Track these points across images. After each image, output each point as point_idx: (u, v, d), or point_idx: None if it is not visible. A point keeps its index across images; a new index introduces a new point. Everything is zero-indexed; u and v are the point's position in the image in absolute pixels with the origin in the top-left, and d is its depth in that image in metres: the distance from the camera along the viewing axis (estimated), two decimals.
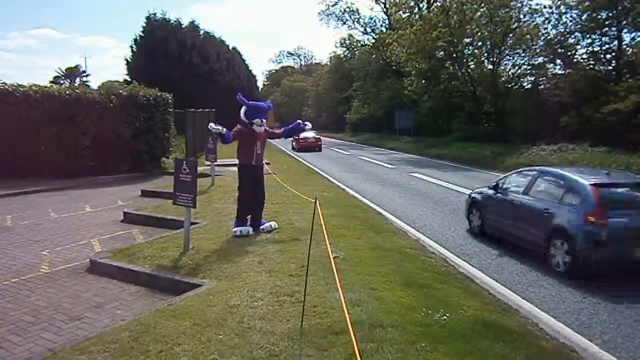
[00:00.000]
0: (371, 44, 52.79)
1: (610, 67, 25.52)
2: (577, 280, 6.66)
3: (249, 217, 8.11)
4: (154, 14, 41.07)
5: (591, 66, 26.01)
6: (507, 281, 6.71)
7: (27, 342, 4.70)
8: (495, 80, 30.88)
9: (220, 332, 4.34)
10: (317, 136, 34.50)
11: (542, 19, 28.75)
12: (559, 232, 7.11)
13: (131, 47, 40.79)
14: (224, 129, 7.76)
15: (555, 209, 7.37)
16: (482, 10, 30.04)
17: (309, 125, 8.87)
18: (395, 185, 16.12)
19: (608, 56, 25.61)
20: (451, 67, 34.74)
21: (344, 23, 55.92)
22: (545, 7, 28.69)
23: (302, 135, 34.32)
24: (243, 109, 7.90)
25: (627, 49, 25.11)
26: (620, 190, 7.58)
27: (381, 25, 52.65)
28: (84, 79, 72.62)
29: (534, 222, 7.73)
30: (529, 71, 30.54)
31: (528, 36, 28.67)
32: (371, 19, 54.66)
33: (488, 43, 30.63)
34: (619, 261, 6.60)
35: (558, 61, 28.37)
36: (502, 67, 31.90)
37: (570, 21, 26.78)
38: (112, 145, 16.03)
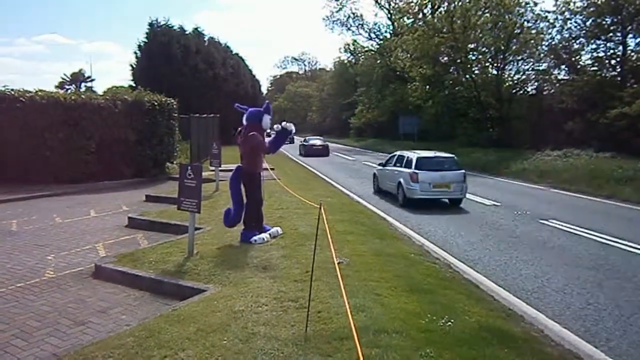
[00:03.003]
0: (375, 50, 52.94)
1: (615, 73, 25.49)
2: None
3: None
4: (157, 20, 41.29)
5: (596, 71, 25.99)
6: (511, 287, 6.69)
7: (32, 347, 4.71)
8: (500, 86, 30.88)
9: (225, 337, 4.34)
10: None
11: (547, 24, 28.81)
12: None
13: (135, 53, 41.03)
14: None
15: None
16: (486, 16, 30.07)
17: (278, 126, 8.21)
18: None
19: (613, 61, 25.59)
20: (455, 73, 34.77)
21: (348, 29, 56.26)
22: (549, 12, 28.75)
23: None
24: (265, 117, 7.84)
25: (632, 54, 25.10)
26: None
27: (385, 31, 52.95)
28: (89, 84, 73.08)
29: None
30: (533, 77, 30.54)
31: (532, 42, 28.67)
32: (375, 24, 55.04)
33: (492, 48, 30.65)
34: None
35: (563, 67, 28.36)
36: (507, 73, 31.90)
37: (575, 27, 26.85)
38: (116, 151, 16.09)
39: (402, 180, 13.54)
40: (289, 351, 4.06)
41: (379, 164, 16.58)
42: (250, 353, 4.04)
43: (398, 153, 15.36)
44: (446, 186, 13.08)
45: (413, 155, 13.96)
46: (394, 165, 14.65)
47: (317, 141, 36.52)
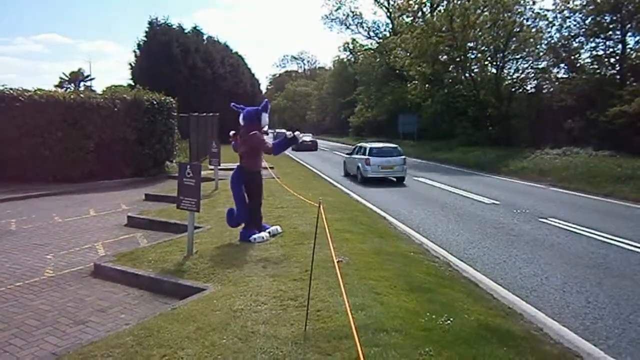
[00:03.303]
0: (374, 48, 52.92)
1: (614, 71, 25.48)
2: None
3: None
4: (156, 19, 41.25)
5: (595, 70, 25.99)
6: (510, 285, 6.69)
7: (31, 346, 4.71)
8: (499, 84, 30.88)
9: (224, 336, 4.34)
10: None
11: (546, 23, 28.80)
12: None
13: (134, 51, 40.99)
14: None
15: None
16: (485, 14, 30.06)
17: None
18: (399, 190, 16.11)
19: (612, 60, 25.59)
20: (454, 71, 34.78)
21: (348, 27, 56.40)
22: (548, 11, 28.75)
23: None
24: (264, 115, 7.91)
25: (631, 52, 25.11)
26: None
27: (384, 30, 52.94)
28: (88, 83, 73.03)
29: None
30: (532, 75, 30.54)
31: (531, 40, 28.67)
32: (374, 23, 55.09)
33: (491, 47, 30.65)
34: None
35: (562, 65, 28.37)
36: (506, 71, 31.90)
37: (574, 25, 26.85)
38: (116, 150, 16.08)
39: (359, 164, 18.40)
40: (288, 350, 4.06)
41: (347, 154, 21.33)
42: (249, 352, 4.04)
43: (359, 144, 20.26)
44: (391, 168, 17.90)
45: (368, 145, 18.89)
46: (356, 154, 19.32)
47: (307, 137, 40.38)
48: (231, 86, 43.06)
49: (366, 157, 18.03)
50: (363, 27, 55.31)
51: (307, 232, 8.02)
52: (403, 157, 18.32)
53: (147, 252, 7.27)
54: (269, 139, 8.39)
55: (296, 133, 8.07)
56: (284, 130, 59.67)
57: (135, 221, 10.05)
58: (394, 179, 18.14)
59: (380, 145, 19.35)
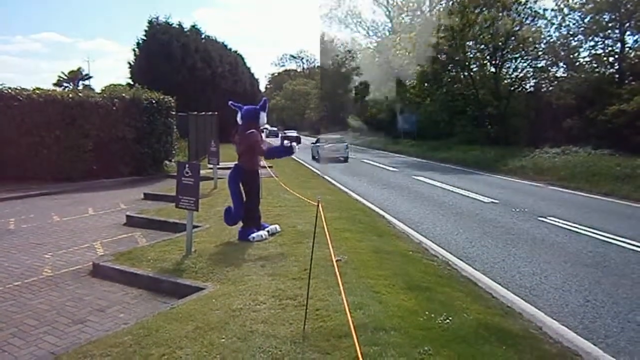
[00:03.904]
0: (374, 47, 52.92)
1: (613, 70, 25.48)
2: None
3: None
4: (156, 18, 41.21)
5: (594, 69, 25.99)
6: (510, 284, 6.69)
7: (29, 346, 4.70)
8: (498, 83, 30.85)
9: (223, 335, 4.33)
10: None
11: (545, 22, 28.80)
12: None
13: (134, 50, 40.95)
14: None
15: None
16: (484, 13, 30.05)
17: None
18: (398, 189, 16.11)
19: (611, 59, 25.59)
20: (453, 70, 34.74)
21: (347, 26, 56.36)
22: (547, 10, 28.74)
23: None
24: (262, 114, 7.94)
25: (630, 51, 25.11)
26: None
27: (383, 29, 52.92)
28: (87, 82, 72.94)
29: None
30: (531, 74, 30.51)
31: (530, 39, 28.66)
32: (373, 22, 55.01)
33: (490, 46, 30.63)
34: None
35: (561, 64, 28.36)
36: (505, 70, 31.87)
37: (573, 24, 26.84)
38: (114, 149, 16.09)
39: (318, 150, 28.21)
40: (287, 349, 4.05)
41: (312, 143, 31.47)
42: (248, 351, 4.04)
43: (319, 137, 31.81)
44: (337, 151, 27.07)
45: (322, 137, 29.51)
46: (317, 143, 29.49)
47: (292, 133, 45.87)
48: (230, 85, 43.05)
49: (321, 144, 28.21)
50: (362, 26, 55.46)
51: (306, 231, 8.02)
52: (345, 144, 27.82)
53: (146, 251, 7.26)
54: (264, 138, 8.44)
55: (293, 144, 8.12)
56: (275, 128, 60.78)
57: (134, 220, 10.04)
58: (341, 159, 26.70)
59: (330, 136, 30.39)
